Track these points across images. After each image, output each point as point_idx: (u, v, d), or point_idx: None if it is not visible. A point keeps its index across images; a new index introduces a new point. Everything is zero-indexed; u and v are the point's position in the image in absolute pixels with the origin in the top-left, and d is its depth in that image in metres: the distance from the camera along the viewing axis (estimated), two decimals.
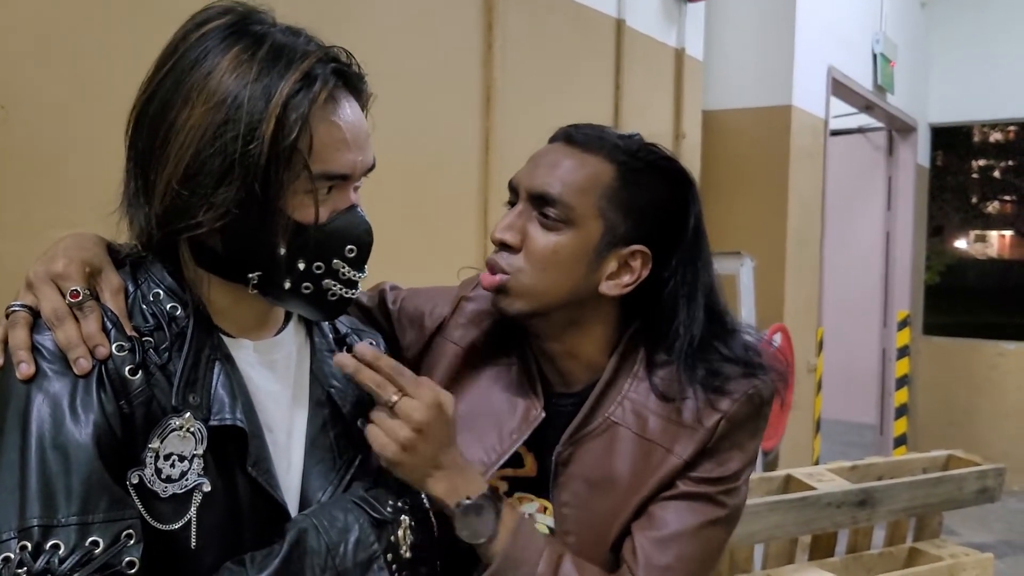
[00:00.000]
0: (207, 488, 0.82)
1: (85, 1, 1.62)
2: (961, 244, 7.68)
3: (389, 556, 0.89)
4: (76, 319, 0.81)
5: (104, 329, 0.81)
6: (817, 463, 4.49)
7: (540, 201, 1.03)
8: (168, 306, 0.86)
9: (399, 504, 0.93)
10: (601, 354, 1.09)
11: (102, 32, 1.64)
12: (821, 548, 2.35)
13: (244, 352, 0.91)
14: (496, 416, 1.09)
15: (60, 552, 0.73)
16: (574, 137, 1.07)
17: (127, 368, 0.80)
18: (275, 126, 0.80)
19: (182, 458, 0.81)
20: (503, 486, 1.11)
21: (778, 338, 3.87)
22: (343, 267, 0.88)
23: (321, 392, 0.96)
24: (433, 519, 0.96)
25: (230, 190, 0.80)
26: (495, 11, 2.67)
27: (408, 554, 0.91)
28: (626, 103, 3.40)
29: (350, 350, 1.01)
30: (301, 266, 0.86)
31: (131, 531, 0.76)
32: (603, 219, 1.03)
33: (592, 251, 1.03)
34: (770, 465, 3.81)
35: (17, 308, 0.82)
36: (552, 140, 1.10)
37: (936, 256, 7.18)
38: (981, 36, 6.36)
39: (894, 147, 6.37)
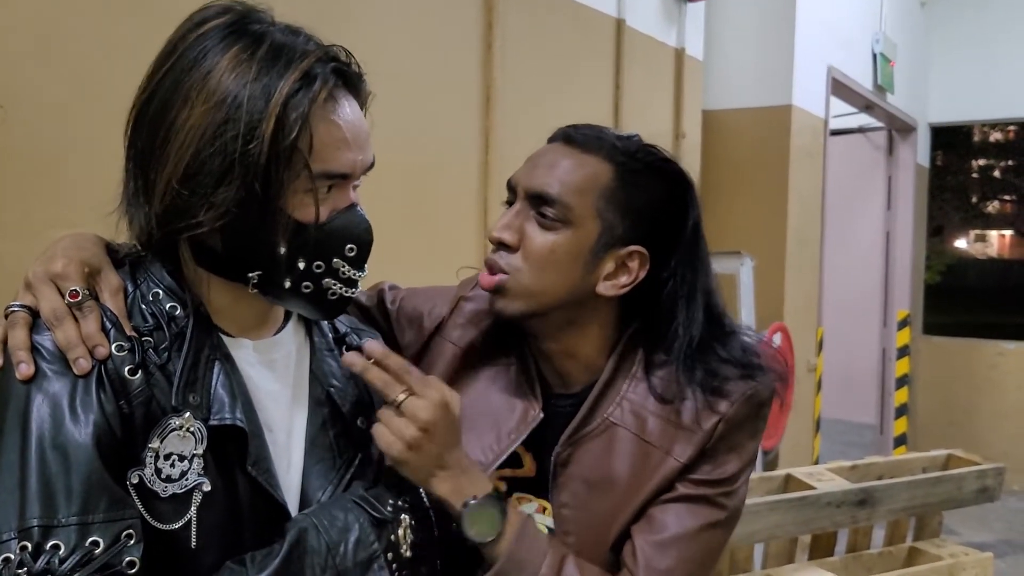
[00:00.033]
0: (207, 488, 0.82)
1: (85, 1, 1.62)
2: (961, 244, 7.69)
3: (389, 555, 0.89)
4: (75, 319, 0.81)
5: (103, 329, 0.81)
6: (817, 463, 4.49)
7: (538, 201, 1.03)
8: (167, 306, 0.86)
9: (399, 503, 0.93)
10: (599, 355, 1.09)
11: (102, 32, 1.64)
12: (821, 548, 2.35)
13: (244, 351, 0.91)
14: (494, 416, 1.09)
15: (60, 552, 0.73)
16: (573, 137, 1.07)
17: (127, 368, 0.80)
18: (275, 125, 0.80)
19: (182, 458, 0.81)
20: (501, 486, 1.11)
21: (778, 338, 3.87)
22: (343, 266, 0.88)
23: (321, 391, 0.96)
24: (433, 518, 0.96)
25: (230, 189, 0.80)
26: (495, 11, 2.67)
27: (408, 553, 0.91)
28: (626, 103, 3.40)
29: (350, 349, 1.01)
30: (301, 265, 0.86)
31: (131, 531, 0.76)
32: (601, 219, 1.03)
33: (589, 251, 1.03)
34: (770, 465, 3.81)
35: (16, 308, 0.82)
36: (551, 140, 1.10)
37: (936, 256, 7.18)
38: (981, 36, 6.35)
39: (894, 147, 6.37)
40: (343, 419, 0.97)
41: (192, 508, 0.82)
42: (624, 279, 1.06)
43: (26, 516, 0.73)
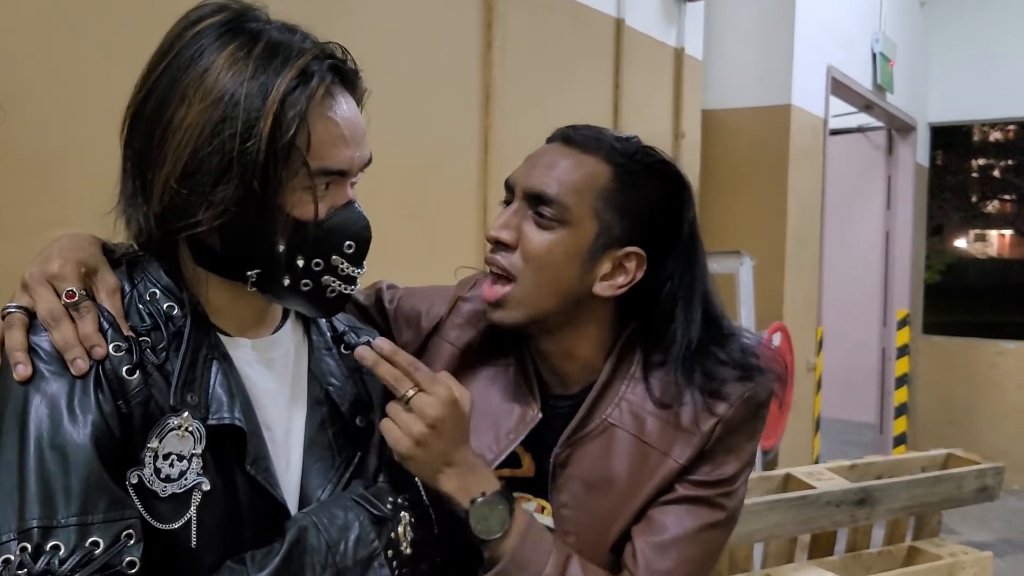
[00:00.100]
0: (206, 487, 0.82)
1: (85, 1, 1.62)
2: (961, 243, 7.68)
3: (390, 553, 0.89)
4: (72, 320, 0.81)
5: (101, 329, 0.81)
6: (817, 462, 4.49)
7: (536, 200, 1.03)
8: (165, 305, 0.86)
9: (399, 501, 0.93)
10: (598, 355, 1.09)
11: (102, 32, 1.64)
12: (820, 547, 2.35)
13: (242, 351, 0.91)
14: (493, 416, 1.10)
15: (60, 553, 0.73)
16: (572, 138, 1.07)
17: (124, 368, 0.80)
18: (273, 123, 0.80)
19: (181, 457, 0.81)
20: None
21: (778, 337, 3.87)
22: (342, 263, 0.88)
23: (319, 390, 0.96)
24: (433, 515, 0.96)
25: (229, 188, 0.80)
26: (494, 10, 2.67)
27: (408, 551, 0.91)
28: (625, 102, 3.40)
29: (348, 348, 1.02)
30: (300, 263, 0.86)
31: (131, 531, 0.76)
32: (598, 220, 1.03)
33: (586, 251, 1.04)
34: (769, 464, 3.81)
35: (13, 309, 0.82)
36: (550, 140, 1.10)
37: (936, 255, 7.18)
38: (980, 35, 6.35)
39: (894, 146, 6.37)
40: (342, 418, 0.97)
41: (192, 508, 0.82)
42: (621, 280, 1.06)
43: (26, 517, 0.73)
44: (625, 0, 3.37)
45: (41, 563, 0.72)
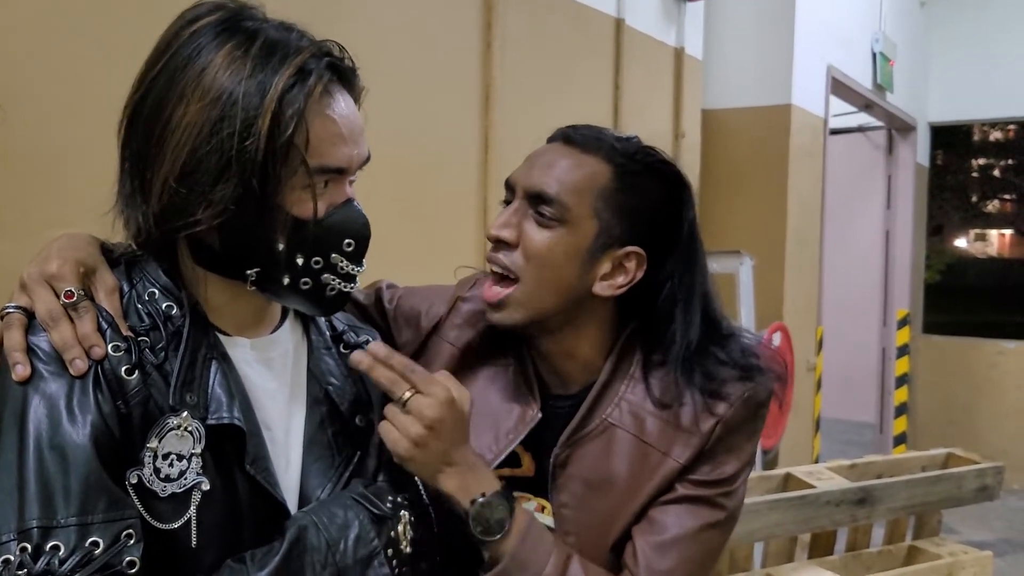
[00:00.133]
0: (206, 487, 0.82)
1: (85, 1, 1.62)
2: (961, 243, 7.68)
3: (389, 552, 0.89)
4: (71, 320, 0.81)
5: (99, 329, 0.81)
6: (817, 462, 4.50)
7: (536, 199, 1.03)
8: (164, 305, 0.86)
9: (398, 500, 0.93)
10: (597, 355, 1.09)
11: (102, 32, 1.64)
12: (820, 546, 2.35)
13: (241, 350, 0.91)
14: (493, 416, 1.10)
15: (60, 553, 0.73)
16: (572, 138, 1.07)
17: (123, 368, 0.80)
18: (271, 121, 0.80)
19: (180, 457, 0.81)
20: None
21: (778, 337, 3.87)
22: (341, 261, 0.88)
23: (319, 390, 0.96)
24: (433, 514, 0.96)
25: (228, 187, 0.80)
26: (494, 10, 2.67)
27: (408, 549, 0.91)
28: (625, 102, 3.40)
29: (347, 347, 1.02)
30: (300, 261, 0.86)
31: (131, 531, 0.76)
32: (598, 220, 1.03)
33: (586, 251, 1.04)
34: (770, 464, 3.81)
35: (11, 310, 0.82)
36: (550, 140, 1.10)
37: (936, 255, 7.18)
38: (980, 35, 6.35)
39: (894, 146, 6.37)
40: (341, 417, 0.97)
41: (191, 507, 0.82)
42: (621, 279, 1.06)
43: (25, 517, 0.73)
44: (625, 0, 3.37)
45: (41, 563, 0.72)
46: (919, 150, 6.49)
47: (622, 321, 1.11)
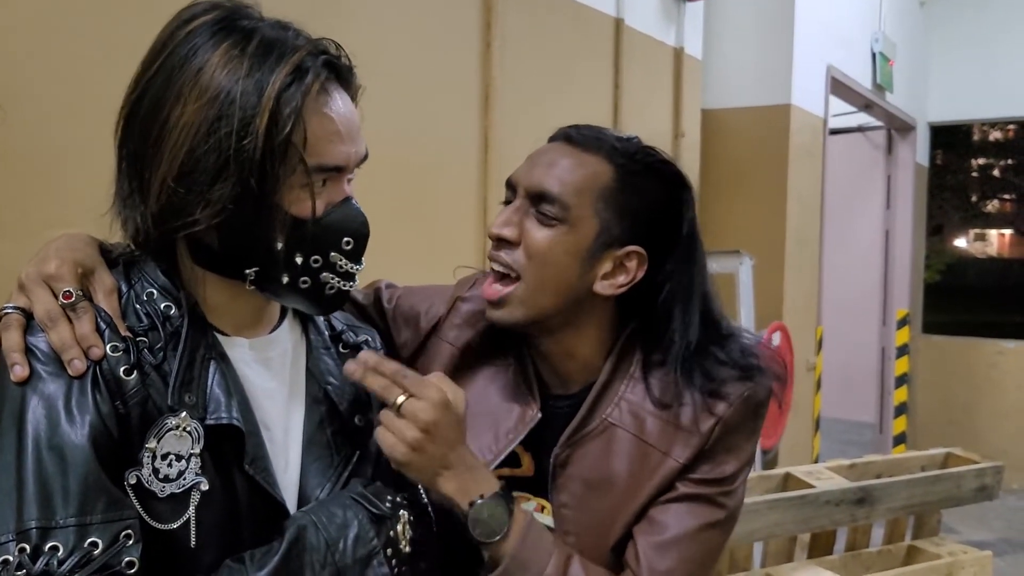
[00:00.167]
0: (205, 487, 0.82)
1: (85, 1, 1.62)
2: (961, 243, 7.68)
3: (389, 551, 0.89)
4: (69, 320, 0.81)
5: (98, 330, 0.81)
6: (816, 461, 4.50)
7: (538, 198, 1.04)
8: (162, 305, 0.86)
9: (398, 499, 0.93)
10: (597, 355, 1.09)
11: (102, 32, 1.64)
12: (820, 546, 2.35)
13: (239, 350, 0.91)
14: (493, 416, 1.10)
15: (59, 554, 0.73)
16: (573, 137, 1.07)
17: (122, 368, 0.80)
18: (269, 120, 0.80)
19: (179, 457, 0.81)
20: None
21: (777, 337, 3.87)
22: (340, 260, 0.88)
23: (318, 389, 0.96)
24: (432, 514, 0.96)
25: (226, 186, 0.80)
26: (494, 10, 2.67)
27: (408, 549, 0.91)
28: (625, 102, 3.40)
29: (347, 347, 1.01)
30: (299, 260, 0.86)
31: (130, 531, 0.76)
32: (599, 219, 1.04)
33: (586, 250, 1.04)
34: (769, 464, 3.81)
35: (10, 310, 0.82)
36: (551, 140, 1.10)
37: (935, 255, 7.18)
38: (980, 35, 6.36)
39: (893, 146, 6.37)
40: (340, 417, 0.97)
41: (190, 507, 0.82)
42: (622, 279, 1.06)
43: (24, 518, 0.73)
44: (624, 0, 3.37)
45: (40, 564, 0.72)
46: (919, 150, 6.49)
47: (622, 321, 1.11)
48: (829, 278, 4.95)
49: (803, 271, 4.46)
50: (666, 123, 3.80)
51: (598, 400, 1.07)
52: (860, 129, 6.71)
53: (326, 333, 1.02)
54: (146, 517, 0.79)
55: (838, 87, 4.83)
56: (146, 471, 0.80)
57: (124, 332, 0.82)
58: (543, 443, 1.09)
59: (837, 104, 5.10)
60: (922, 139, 6.60)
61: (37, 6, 1.55)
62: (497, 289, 1.05)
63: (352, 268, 0.90)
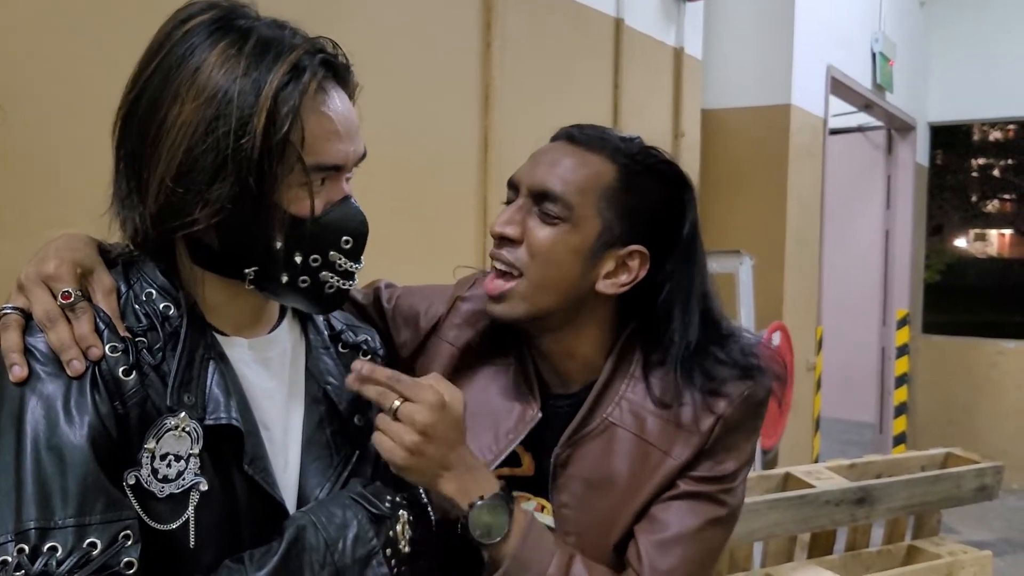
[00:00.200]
0: (204, 487, 0.82)
1: (85, 1, 1.62)
2: (961, 243, 7.68)
3: (388, 551, 0.88)
4: (68, 320, 0.80)
5: (97, 330, 0.81)
6: (816, 461, 4.50)
7: (541, 197, 1.04)
8: (161, 305, 0.86)
9: (397, 499, 0.93)
10: (598, 355, 1.09)
11: (102, 32, 1.64)
12: (820, 546, 2.35)
13: (238, 350, 0.90)
14: (493, 416, 1.10)
15: (58, 554, 0.73)
16: (576, 137, 1.07)
17: (121, 369, 0.80)
18: (266, 119, 0.80)
19: (178, 458, 0.81)
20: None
21: (777, 337, 3.87)
22: (340, 259, 0.88)
23: (317, 389, 0.96)
24: (431, 513, 0.96)
25: (224, 186, 0.80)
26: (494, 10, 2.67)
27: (407, 548, 0.91)
28: (625, 102, 3.40)
29: (346, 346, 1.01)
30: (298, 259, 0.86)
31: (129, 532, 0.76)
32: (601, 219, 1.04)
33: (588, 249, 1.04)
34: (769, 463, 3.81)
35: (8, 311, 0.81)
36: (554, 139, 1.10)
37: (935, 255, 7.18)
38: (980, 35, 6.36)
39: (893, 146, 6.37)
40: (340, 416, 0.96)
41: (189, 508, 0.82)
42: (624, 278, 1.06)
43: (23, 518, 0.73)
44: (624, 0, 3.37)
45: (39, 564, 0.72)
46: (919, 150, 6.49)
47: (622, 321, 1.11)
48: (829, 278, 4.95)
49: (803, 271, 4.46)
50: (666, 123, 3.80)
51: (599, 400, 1.07)
52: (860, 129, 6.71)
53: (325, 333, 1.02)
54: (145, 517, 0.79)
55: (838, 87, 4.83)
56: (145, 471, 0.80)
57: (123, 332, 0.82)
58: (543, 443, 1.09)
59: (837, 104, 5.10)
60: (922, 139, 6.60)
61: (37, 6, 1.55)
62: (499, 284, 1.05)
63: (351, 267, 0.90)
